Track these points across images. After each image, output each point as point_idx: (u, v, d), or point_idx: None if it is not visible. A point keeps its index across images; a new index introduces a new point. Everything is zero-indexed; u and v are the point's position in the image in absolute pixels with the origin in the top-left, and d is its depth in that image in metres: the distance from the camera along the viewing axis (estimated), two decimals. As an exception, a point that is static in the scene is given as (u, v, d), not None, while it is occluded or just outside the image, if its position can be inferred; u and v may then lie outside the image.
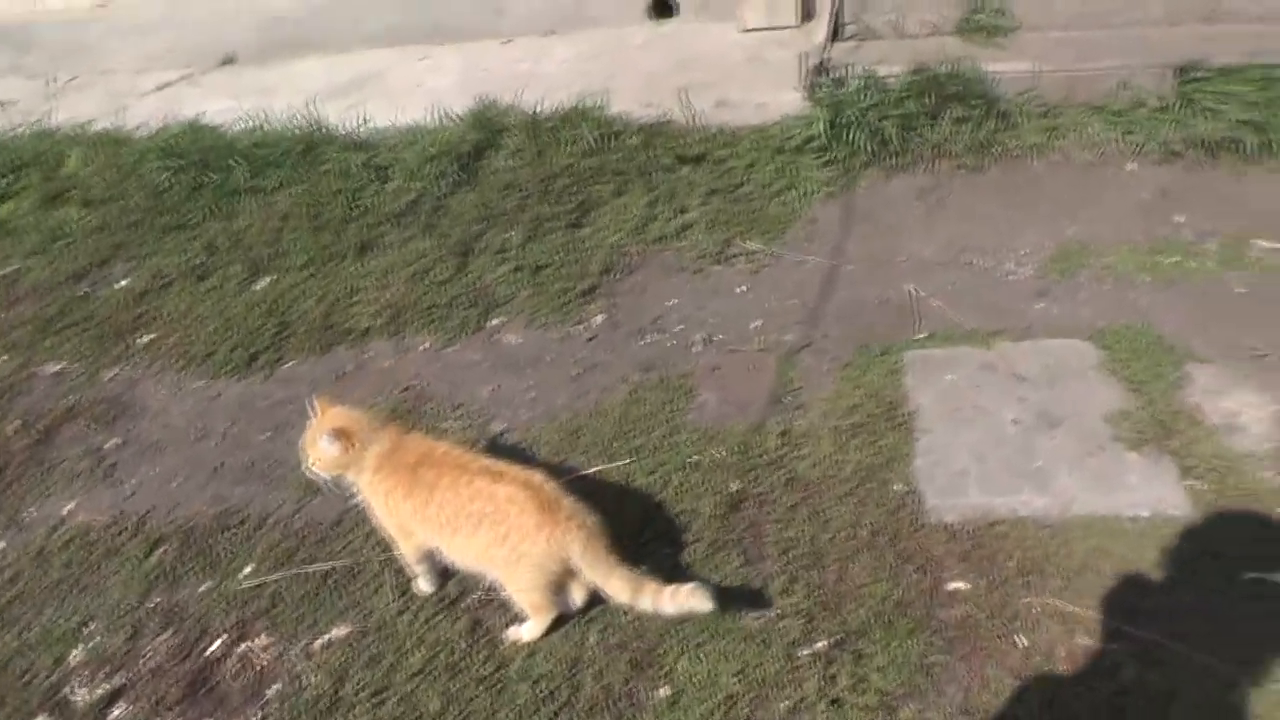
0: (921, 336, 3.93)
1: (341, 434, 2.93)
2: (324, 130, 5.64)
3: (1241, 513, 3.08)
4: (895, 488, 3.30)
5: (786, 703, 2.72)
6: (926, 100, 4.87)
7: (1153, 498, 3.13)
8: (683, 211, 4.78)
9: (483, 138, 5.18)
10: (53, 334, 4.69)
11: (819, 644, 2.86)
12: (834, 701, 2.69)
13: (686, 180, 4.94)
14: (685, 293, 4.39)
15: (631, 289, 4.45)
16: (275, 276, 4.83)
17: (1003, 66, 5.01)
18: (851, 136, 4.86)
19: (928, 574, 3.01)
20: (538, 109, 5.43)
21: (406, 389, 4.09)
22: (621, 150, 5.07)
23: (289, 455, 3.63)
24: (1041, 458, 3.34)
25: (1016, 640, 2.80)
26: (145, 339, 4.59)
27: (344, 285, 4.71)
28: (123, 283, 5.00)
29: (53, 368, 4.50)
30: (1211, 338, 3.72)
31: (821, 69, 5.06)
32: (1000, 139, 4.92)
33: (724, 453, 3.51)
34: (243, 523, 3.53)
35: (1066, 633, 2.80)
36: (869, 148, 4.89)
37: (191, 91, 6.88)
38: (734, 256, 4.53)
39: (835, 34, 5.45)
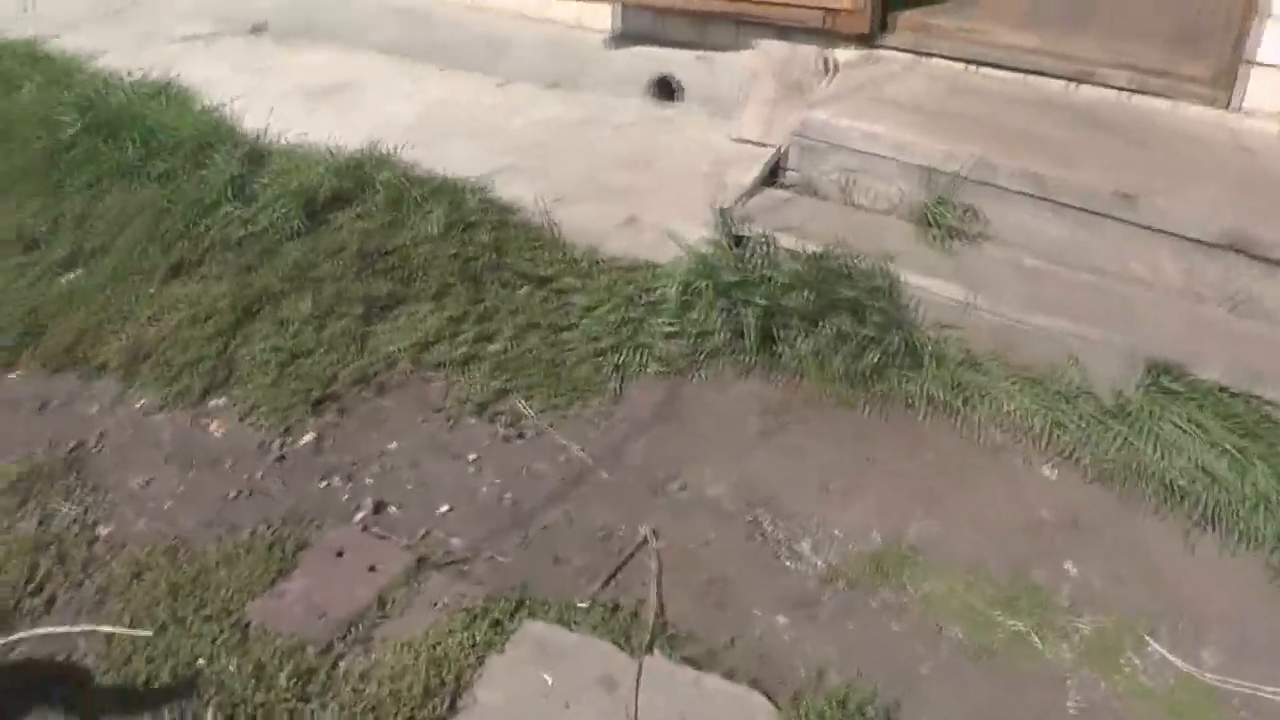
0: (583, 605, 3.05)
1: None
2: (235, 130, 5.16)
3: None
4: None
5: None
6: (811, 297, 3.80)
7: None
8: (484, 340, 3.99)
9: (345, 187, 4.54)
10: None
11: None
12: None
13: (515, 303, 4.13)
14: (416, 439, 3.68)
15: (367, 414, 3.77)
16: (85, 273, 4.40)
17: (929, 283, 3.85)
18: (703, 315, 3.92)
19: None
20: (434, 171, 4.75)
21: (71, 449, 3.61)
22: (471, 246, 4.32)
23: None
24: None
25: None
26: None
27: (126, 305, 4.27)
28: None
29: None
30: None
31: (725, 217, 4.10)
32: (892, 376, 3.76)
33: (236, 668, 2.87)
34: None
35: None
36: (723, 333, 3.91)
37: (202, 52, 6.53)
38: (500, 414, 3.75)
39: (772, 177, 4.44)
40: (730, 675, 2.87)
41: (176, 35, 6.78)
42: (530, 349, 3.99)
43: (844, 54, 5.10)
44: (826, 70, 5.02)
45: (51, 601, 3.17)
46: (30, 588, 3.20)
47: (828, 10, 4.92)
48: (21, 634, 3.07)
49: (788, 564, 3.25)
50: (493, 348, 4.01)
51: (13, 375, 4.04)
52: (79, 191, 4.93)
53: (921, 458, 3.61)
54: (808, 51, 5.12)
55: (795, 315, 3.83)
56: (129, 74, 5.84)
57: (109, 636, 3.03)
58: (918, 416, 3.72)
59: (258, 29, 6.77)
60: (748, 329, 3.84)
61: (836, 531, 3.34)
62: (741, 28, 5.35)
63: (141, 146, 5.01)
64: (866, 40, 5.01)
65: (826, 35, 5.06)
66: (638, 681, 2.85)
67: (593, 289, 4.15)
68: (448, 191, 4.59)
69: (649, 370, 3.91)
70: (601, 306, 4.08)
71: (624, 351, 3.94)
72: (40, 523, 3.42)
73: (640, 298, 4.08)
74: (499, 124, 5.50)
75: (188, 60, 6.28)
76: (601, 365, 3.92)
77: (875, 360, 3.76)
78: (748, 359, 3.91)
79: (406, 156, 4.84)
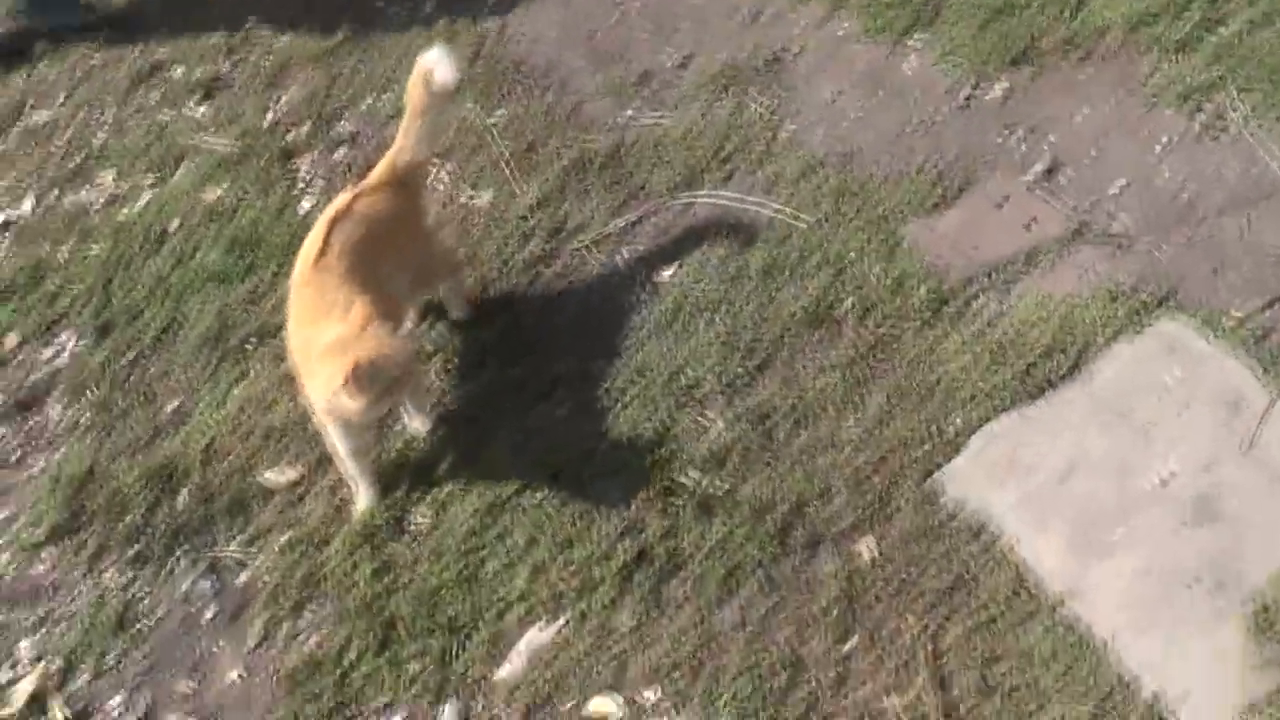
0: (1232, 321, 2.85)
1: None
2: None
3: None
4: None
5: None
6: None
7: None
8: (1211, 24, 3.56)
9: None
10: None
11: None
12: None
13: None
14: (1107, 113, 3.45)
15: (1063, 80, 3.59)
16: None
17: None
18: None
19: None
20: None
21: (772, 56, 3.85)
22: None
23: None
24: None
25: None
26: None
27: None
28: None
29: None
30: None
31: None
32: None
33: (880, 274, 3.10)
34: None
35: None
36: None
37: None
38: (1203, 107, 3.38)
39: None
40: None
41: None
42: (1262, 43, 3.57)
43: None
44: None
45: (731, 176, 3.52)
46: (716, 160, 3.57)
47: None
48: (704, 195, 3.48)
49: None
50: (1218, 34, 3.65)
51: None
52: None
53: None
54: None
55: None
56: None
57: (773, 216, 3.36)
58: None
59: None
60: None
61: None
62: None
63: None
64: None
65: None
66: (1264, 414, 2.69)
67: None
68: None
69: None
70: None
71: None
72: (732, 111, 3.73)
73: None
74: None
75: None
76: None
77: None
78: None
79: None
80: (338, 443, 2.79)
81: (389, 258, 2.81)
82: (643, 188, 3.51)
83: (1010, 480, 2.67)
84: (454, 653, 2.58)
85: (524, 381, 3.05)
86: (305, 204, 3.63)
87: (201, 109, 4.08)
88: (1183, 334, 2.90)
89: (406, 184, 2.94)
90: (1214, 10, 3.68)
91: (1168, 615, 2.41)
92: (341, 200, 2.82)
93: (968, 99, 3.65)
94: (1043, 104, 3.61)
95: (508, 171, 3.62)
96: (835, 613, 2.51)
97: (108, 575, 2.88)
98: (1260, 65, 3.51)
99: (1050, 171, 3.40)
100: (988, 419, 2.79)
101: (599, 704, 2.47)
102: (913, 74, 3.78)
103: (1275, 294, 2.97)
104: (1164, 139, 3.43)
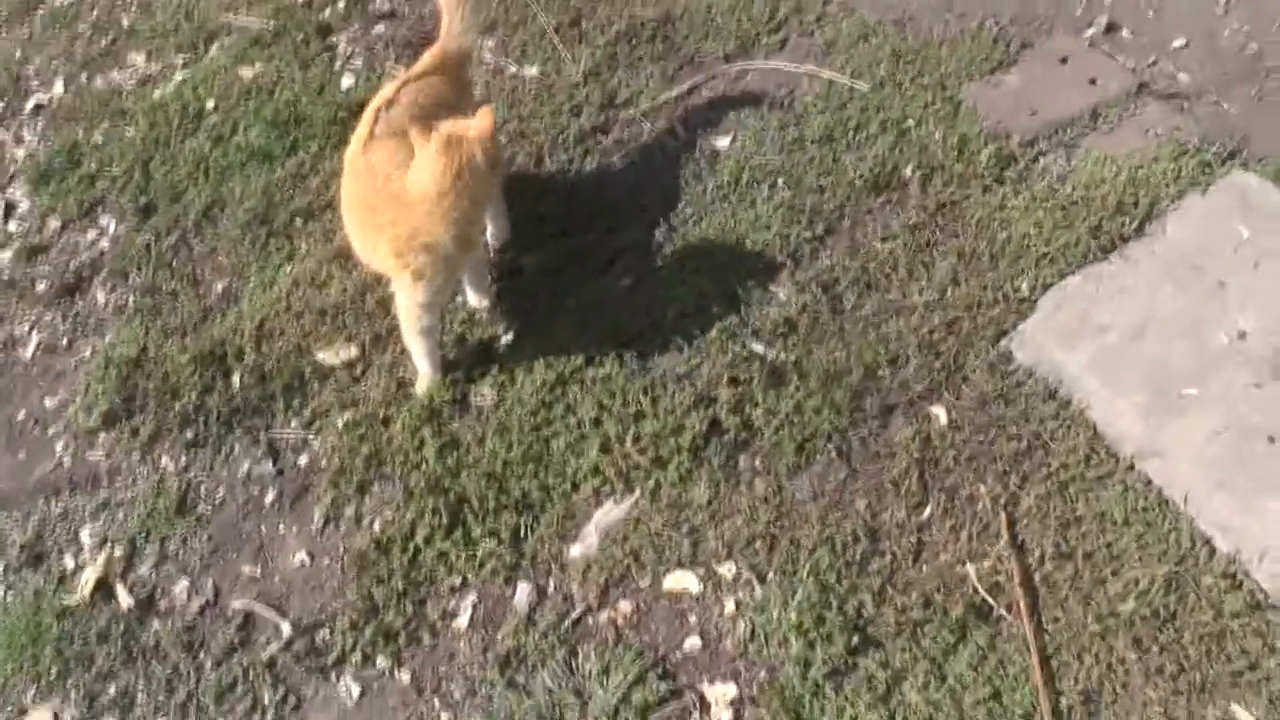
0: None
1: None
2: None
3: None
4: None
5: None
6: None
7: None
8: None
9: None
10: None
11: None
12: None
13: None
14: None
15: None
16: None
17: None
18: None
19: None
20: None
21: None
22: None
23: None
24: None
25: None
26: None
27: None
28: None
29: None
30: None
31: None
32: None
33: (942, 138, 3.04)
34: None
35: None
36: None
37: None
38: None
39: None
40: None
41: None
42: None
43: None
44: None
45: (784, 43, 3.44)
46: (768, 26, 3.48)
47: None
48: (757, 63, 3.40)
49: None
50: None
51: None
52: None
53: None
54: None
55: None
56: None
57: (829, 82, 3.27)
58: None
59: None
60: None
61: None
62: None
63: None
64: None
65: None
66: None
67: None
68: None
69: None
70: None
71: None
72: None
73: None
74: None
75: None
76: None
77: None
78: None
79: None
80: (406, 317, 2.71)
81: None
82: (694, 57, 3.41)
83: (1083, 341, 2.61)
84: (525, 531, 2.55)
85: (585, 254, 2.99)
86: (346, 80, 3.54)
87: (231, -15, 4.04)
88: (1254, 187, 2.83)
89: (454, 70, 2.84)
90: None
91: (1243, 475, 2.36)
92: (389, 89, 2.73)
93: (1023, -44, 3.57)
94: (1102, -41, 3.54)
95: (556, 42, 3.53)
96: (910, 480, 2.48)
97: (165, 459, 2.83)
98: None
99: (1110, 29, 3.32)
100: (1058, 279, 2.74)
101: (677, 579, 2.44)
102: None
103: (1350, 146, 2.93)
104: (1231, -4, 3.37)
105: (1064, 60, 3.25)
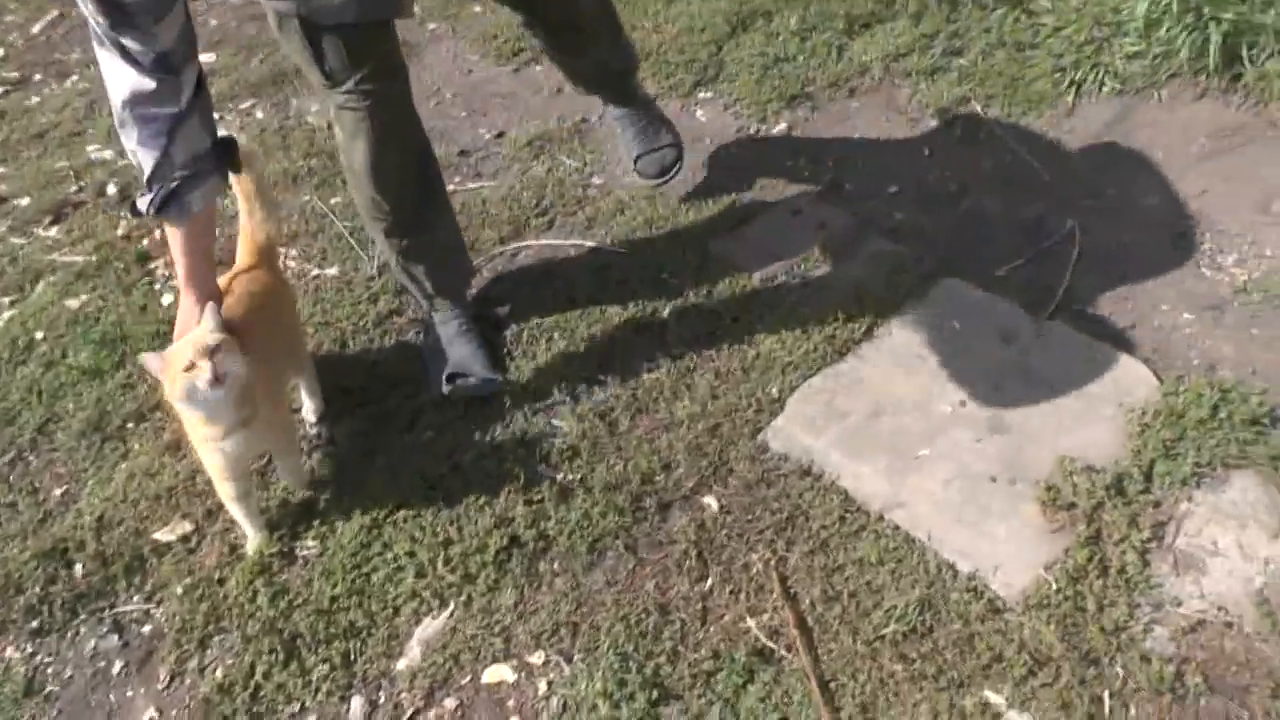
0: (1001, 274, 3.39)
1: None
2: None
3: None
4: None
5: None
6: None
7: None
8: (954, 54, 4.31)
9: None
10: None
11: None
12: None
13: (988, 23, 4.38)
14: (878, 134, 4.05)
15: (836, 112, 4.19)
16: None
17: None
18: (1169, 33, 3.86)
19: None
20: None
21: (577, 122, 4.38)
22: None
23: None
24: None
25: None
26: None
27: (632, 18, 4.87)
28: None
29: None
30: None
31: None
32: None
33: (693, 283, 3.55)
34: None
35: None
36: (1186, 51, 3.84)
37: None
38: (959, 118, 4.06)
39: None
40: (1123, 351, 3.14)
41: None
42: (995, 64, 4.23)
43: None
44: None
45: (551, 223, 3.95)
46: (536, 210, 4.00)
47: None
48: (529, 241, 3.87)
49: (1205, 272, 3.35)
50: (960, 61, 4.30)
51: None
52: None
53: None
54: None
55: (1269, 32, 3.77)
56: None
57: (594, 249, 3.76)
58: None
59: None
60: (1213, 47, 3.83)
61: (1268, 252, 3.37)
62: None
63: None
64: None
65: None
66: (1032, 341, 3.18)
67: (1063, 10, 4.27)
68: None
69: (1105, 89, 4.03)
70: (1069, 27, 4.20)
71: (1083, 69, 4.08)
72: (548, 170, 4.20)
73: (1108, 17, 4.16)
74: None
75: None
76: (1060, 82, 4.09)
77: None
78: (1207, 80, 3.92)
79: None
80: (220, 485, 2.96)
81: (266, 334, 2.98)
82: (473, 245, 3.84)
83: (828, 426, 3.05)
84: (354, 654, 2.79)
85: (390, 416, 3.34)
86: (166, 298, 3.89)
87: (53, 231, 4.36)
88: (962, 289, 3.39)
89: (269, 262, 3.15)
90: (954, 44, 4.35)
91: (974, 509, 2.80)
92: (221, 279, 2.99)
93: (755, 134, 4.18)
94: (821, 134, 4.14)
95: (352, 243, 3.97)
96: (691, 560, 2.82)
97: (9, 650, 3.00)
98: (997, 79, 4.13)
99: (835, 185, 3.90)
100: (803, 381, 3.19)
101: (494, 672, 2.70)
102: (706, 121, 4.30)
103: (1030, 252, 3.50)
104: (929, 149, 3.99)
105: (796, 212, 3.80)
